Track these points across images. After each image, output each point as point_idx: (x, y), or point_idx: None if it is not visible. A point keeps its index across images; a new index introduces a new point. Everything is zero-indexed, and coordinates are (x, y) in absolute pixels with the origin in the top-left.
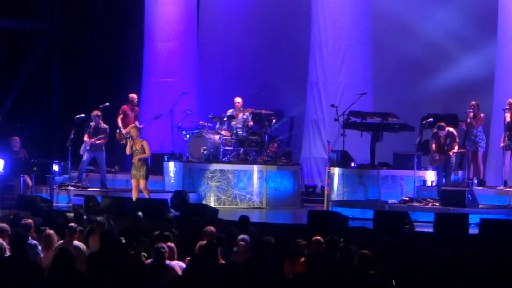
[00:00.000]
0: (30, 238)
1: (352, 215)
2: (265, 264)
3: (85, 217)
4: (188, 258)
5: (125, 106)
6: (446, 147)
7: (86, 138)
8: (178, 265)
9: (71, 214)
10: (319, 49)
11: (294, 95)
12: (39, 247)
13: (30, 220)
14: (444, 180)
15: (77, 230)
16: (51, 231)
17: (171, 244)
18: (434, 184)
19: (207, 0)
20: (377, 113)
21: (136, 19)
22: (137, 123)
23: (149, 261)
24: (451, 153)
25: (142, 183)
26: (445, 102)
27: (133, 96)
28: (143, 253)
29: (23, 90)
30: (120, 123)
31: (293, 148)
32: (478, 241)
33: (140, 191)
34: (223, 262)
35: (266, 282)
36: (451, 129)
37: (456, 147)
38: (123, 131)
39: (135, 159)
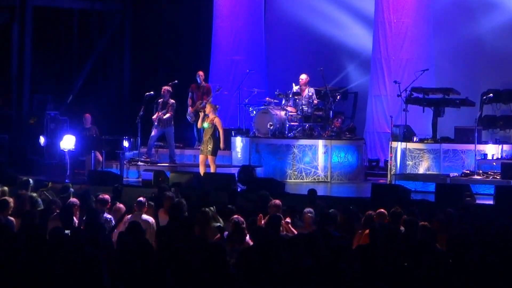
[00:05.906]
0: (106, 212)
1: (414, 188)
2: (331, 236)
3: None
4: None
5: (192, 85)
6: None
7: (155, 116)
8: None
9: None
10: (382, 26)
11: (358, 71)
12: (113, 222)
13: (107, 196)
14: None
15: (146, 204)
16: (121, 205)
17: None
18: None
19: None
20: (439, 88)
21: None
22: (210, 99)
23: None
24: None
25: (209, 158)
26: (505, 78)
27: (200, 73)
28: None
29: (94, 69)
30: (189, 102)
31: (357, 123)
32: None
33: (207, 165)
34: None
35: (331, 253)
36: None
37: None
38: (190, 110)
39: (205, 135)
